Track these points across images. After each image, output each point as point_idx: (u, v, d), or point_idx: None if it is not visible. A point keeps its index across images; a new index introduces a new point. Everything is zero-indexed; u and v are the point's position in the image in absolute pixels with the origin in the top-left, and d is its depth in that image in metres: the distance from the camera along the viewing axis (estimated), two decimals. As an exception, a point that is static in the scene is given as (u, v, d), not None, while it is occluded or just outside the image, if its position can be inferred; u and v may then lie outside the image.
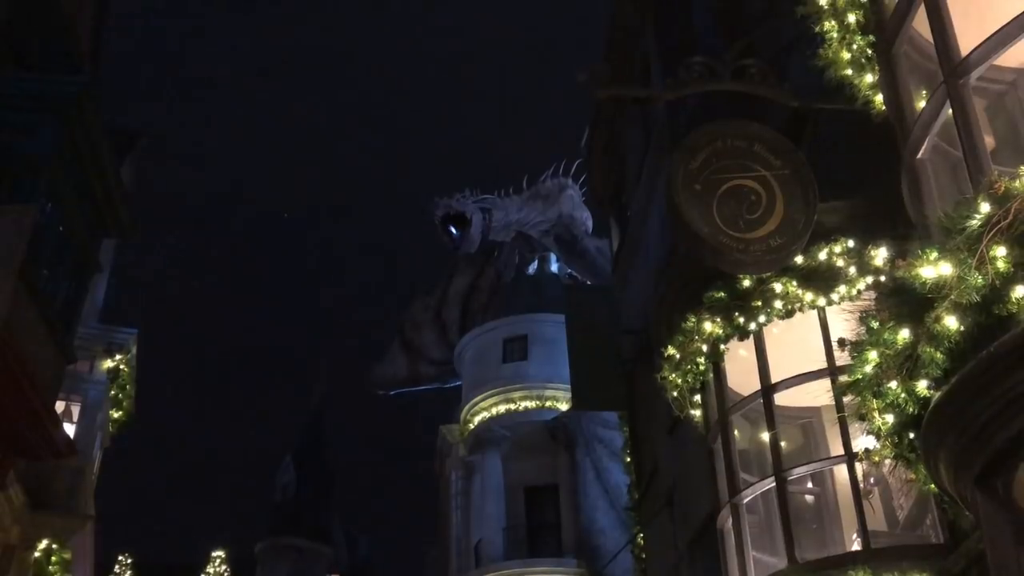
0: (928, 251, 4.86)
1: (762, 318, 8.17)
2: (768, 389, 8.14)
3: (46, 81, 13.12)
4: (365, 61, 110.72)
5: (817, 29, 6.93)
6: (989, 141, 5.79)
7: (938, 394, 4.90)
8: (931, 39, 5.88)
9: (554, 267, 35.23)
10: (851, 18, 6.69)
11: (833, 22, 6.80)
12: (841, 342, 5.91)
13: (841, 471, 8.25)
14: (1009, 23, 5.27)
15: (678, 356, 8.90)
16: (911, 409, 5.12)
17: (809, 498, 9.39)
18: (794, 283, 7.96)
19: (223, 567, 35.36)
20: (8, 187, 12.27)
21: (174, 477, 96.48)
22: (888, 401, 5.20)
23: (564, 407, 27.49)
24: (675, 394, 9.18)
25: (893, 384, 5.13)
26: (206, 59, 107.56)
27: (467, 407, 30.22)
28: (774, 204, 7.65)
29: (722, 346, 8.57)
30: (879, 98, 6.68)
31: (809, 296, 7.92)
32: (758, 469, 8.78)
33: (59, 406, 15.30)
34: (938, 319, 4.76)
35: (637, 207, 14.27)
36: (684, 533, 11.43)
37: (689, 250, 8.16)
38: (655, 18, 13.60)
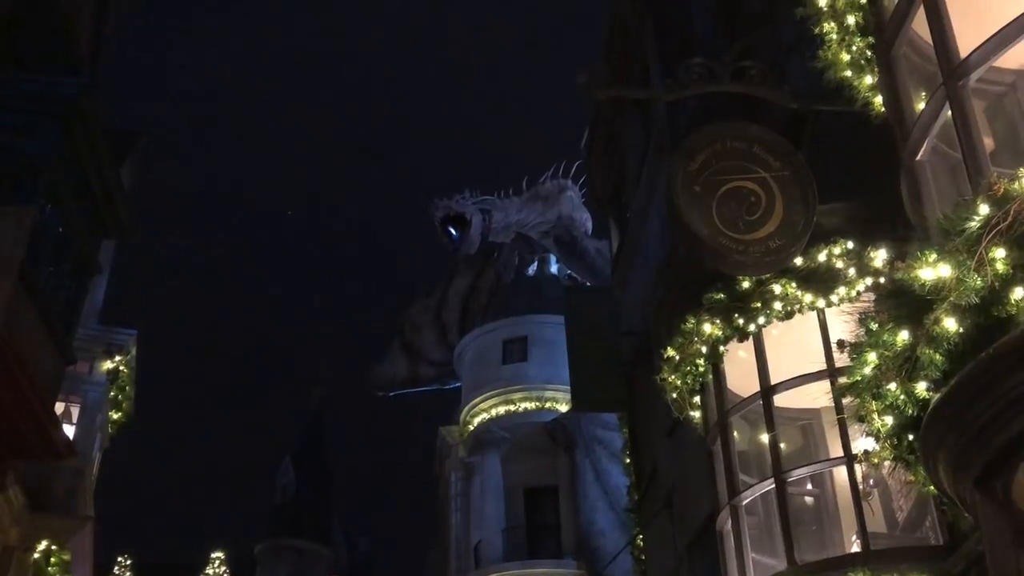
0: (927, 253, 4.86)
1: (761, 319, 8.17)
2: (767, 391, 8.14)
3: (46, 82, 13.11)
4: (365, 61, 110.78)
5: (816, 31, 6.93)
6: (988, 143, 5.79)
7: (937, 396, 4.90)
8: (930, 41, 5.88)
9: (554, 268, 35.24)
10: (850, 20, 6.69)
11: (832, 24, 6.80)
12: (840, 344, 5.91)
13: (840, 473, 8.24)
14: (1008, 24, 5.27)
15: (677, 357, 8.90)
16: (910, 411, 5.12)
17: (808, 500, 9.39)
18: (793, 284, 7.96)
19: (223, 568, 35.37)
20: (7, 188, 12.26)
21: (173, 478, 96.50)
22: (887, 403, 5.20)
23: (564, 408, 27.49)
24: (674, 395, 9.18)
25: (892, 386, 5.13)
26: (206, 59, 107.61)
27: (467, 408, 30.23)
28: (773, 206, 7.65)
29: (721, 347, 8.57)
30: (878, 100, 6.68)
31: (808, 298, 7.92)
32: (757, 471, 8.78)
33: (59, 407, 15.29)
34: (937, 321, 4.76)
35: (637, 208, 14.28)
36: (683, 534, 11.43)
37: (688, 251, 8.16)
38: (655, 19, 13.61)
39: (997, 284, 4.58)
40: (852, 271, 7.75)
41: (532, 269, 35.29)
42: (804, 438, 9.34)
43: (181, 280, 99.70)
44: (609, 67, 15.05)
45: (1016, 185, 4.63)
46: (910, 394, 5.06)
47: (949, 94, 5.54)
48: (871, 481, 8.20)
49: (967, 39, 5.54)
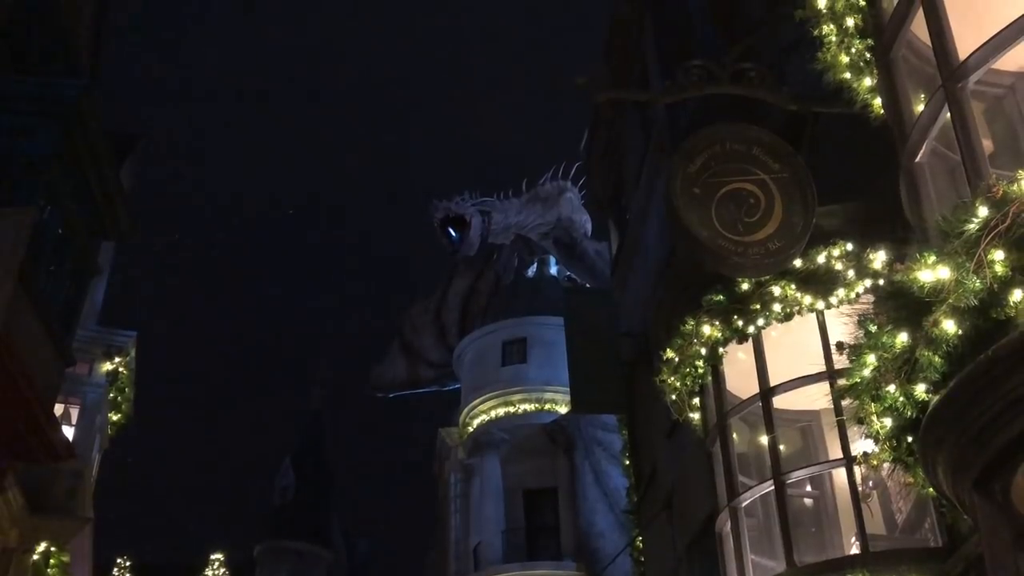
0: (926, 255, 4.87)
1: (761, 321, 8.17)
2: (767, 392, 8.14)
3: (46, 83, 13.12)
4: (366, 62, 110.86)
5: (816, 32, 6.93)
6: (987, 145, 5.79)
7: (936, 398, 4.91)
8: (929, 43, 5.88)
9: (553, 270, 35.24)
10: (849, 22, 6.69)
11: (832, 25, 6.80)
12: (840, 345, 5.91)
13: (840, 474, 8.24)
14: (1007, 27, 5.27)
15: (677, 359, 8.90)
16: (909, 413, 5.12)
17: (808, 501, 9.38)
18: (793, 286, 7.96)
19: (222, 570, 35.34)
20: (7, 189, 12.27)
21: (173, 479, 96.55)
22: (886, 404, 5.20)
23: (563, 410, 27.48)
24: (674, 397, 9.18)
25: (891, 387, 5.13)
26: (206, 59, 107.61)
27: (466, 410, 30.22)
28: (773, 207, 7.65)
29: (721, 349, 8.58)
30: (878, 102, 6.69)
31: (808, 299, 7.92)
32: (757, 472, 8.78)
33: (58, 409, 15.29)
34: (936, 323, 4.76)
35: (636, 210, 14.28)
36: (683, 536, 11.43)
37: (688, 253, 8.16)
38: (654, 21, 13.61)
39: (996, 286, 4.58)
40: (851, 273, 7.75)
41: (532, 271, 35.28)
42: (803, 440, 9.34)
43: (181, 280, 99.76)
44: (609, 69, 15.06)
45: (1015, 187, 4.63)
46: (909, 396, 5.07)
47: (948, 96, 5.54)
48: (870, 483, 8.19)
49: (966, 41, 5.55)
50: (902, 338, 5.02)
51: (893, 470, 5.90)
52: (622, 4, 14.58)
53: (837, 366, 7.53)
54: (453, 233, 32.26)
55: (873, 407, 5.32)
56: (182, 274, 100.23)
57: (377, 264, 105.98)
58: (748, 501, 8.30)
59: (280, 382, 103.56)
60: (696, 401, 9.09)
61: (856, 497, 7.48)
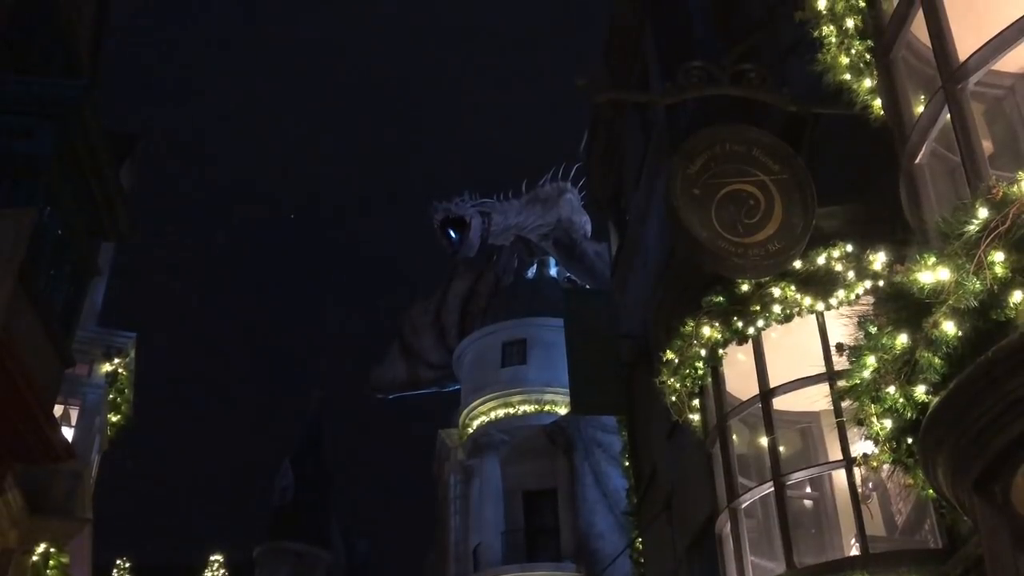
0: (926, 256, 4.86)
1: (760, 322, 8.17)
2: (766, 394, 8.14)
3: (45, 84, 13.12)
4: (366, 62, 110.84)
5: (815, 34, 6.93)
6: (987, 146, 5.79)
7: (936, 399, 4.90)
8: (929, 44, 5.88)
9: (553, 271, 35.25)
10: (849, 23, 6.69)
11: (831, 27, 6.80)
12: (839, 347, 5.91)
13: (840, 476, 8.23)
14: (1007, 28, 5.27)
15: (677, 360, 8.89)
16: (909, 414, 5.12)
17: (808, 503, 9.38)
18: (792, 287, 7.95)
19: (221, 571, 35.34)
20: (7, 190, 12.28)
21: (172, 480, 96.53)
22: (886, 406, 5.20)
23: (563, 411, 27.49)
24: (674, 398, 9.18)
25: (891, 389, 5.13)
26: (206, 59, 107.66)
27: (466, 411, 30.23)
28: (772, 209, 7.65)
29: (720, 350, 8.57)
30: (877, 103, 6.69)
31: (807, 301, 7.92)
32: (756, 474, 8.78)
33: (57, 410, 15.29)
34: (936, 324, 4.76)
35: (636, 211, 14.28)
36: (683, 537, 11.42)
37: (688, 254, 8.16)
38: (654, 22, 13.61)
39: (996, 287, 4.58)
40: (851, 274, 7.75)
41: (531, 272, 35.29)
42: (803, 441, 9.34)
43: (181, 281, 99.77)
44: (608, 70, 15.06)
45: (1015, 188, 4.63)
46: (909, 397, 5.06)
47: (948, 97, 5.54)
48: (870, 484, 8.19)
49: (966, 42, 5.55)
50: (902, 339, 5.02)
51: (893, 471, 5.89)
52: (622, 6, 14.59)
53: (837, 367, 7.53)
54: (453, 234, 32.29)
55: (873, 408, 5.32)
56: (182, 275, 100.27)
57: (377, 265, 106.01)
58: (748, 502, 8.29)
59: (280, 383, 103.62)
60: (696, 402, 9.09)
61: (856, 498, 7.47)
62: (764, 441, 8.11)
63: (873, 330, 5.29)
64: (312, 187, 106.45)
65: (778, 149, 7.95)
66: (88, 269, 14.70)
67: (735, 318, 8.29)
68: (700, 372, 8.81)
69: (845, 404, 6.14)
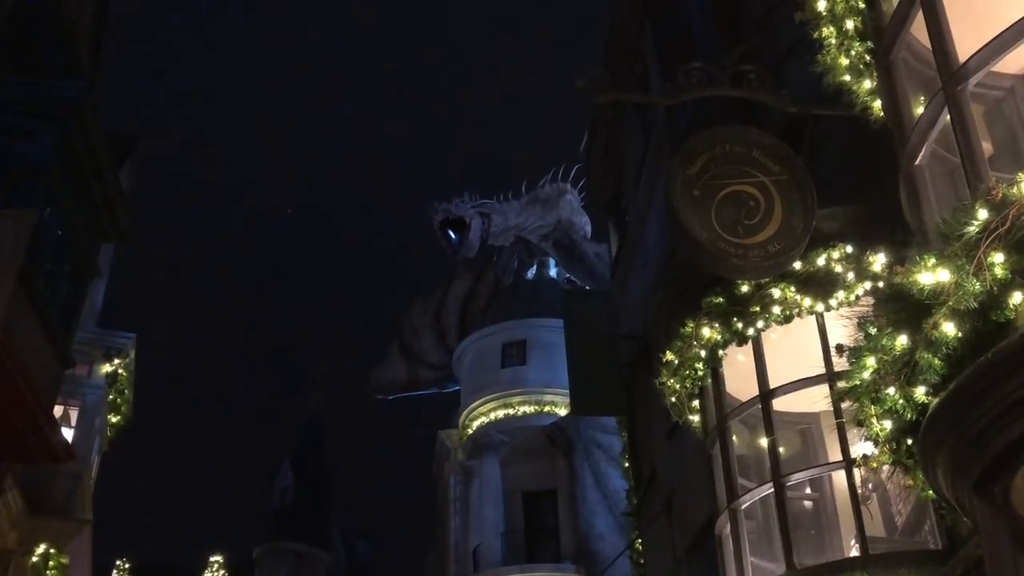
0: (926, 257, 4.87)
1: (760, 323, 8.17)
2: (766, 395, 8.14)
3: (46, 86, 13.12)
4: (365, 63, 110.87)
5: (815, 35, 6.93)
6: (987, 147, 5.78)
7: (936, 400, 4.90)
8: (929, 45, 5.88)
9: (553, 272, 35.24)
10: (849, 24, 6.69)
11: (831, 28, 6.81)
12: (839, 348, 5.91)
13: (839, 477, 8.24)
14: (1007, 29, 5.27)
15: (676, 361, 8.90)
16: (909, 415, 5.12)
17: (807, 504, 9.38)
18: (792, 288, 7.96)
19: (221, 572, 35.34)
20: (7, 191, 12.28)
21: (172, 481, 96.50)
22: (886, 407, 5.20)
23: (563, 412, 27.49)
24: (673, 399, 9.18)
25: (891, 390, 5.13)
26: (207, 59, 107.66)
27: (466, 412, 30.22)
28: (773, 210, 7.65)
29: (720, 351, 8.57)
30: (877, 104, 6.69)
31: (807, 302, 7.92)
32: (756, 475, 8.78)
33: (57, 410, 15.29)
34: (936, 325, 4.76)
35: (636, 212, 14.28)
36: (683, 538, 11.42)
37: (688, 255, 8.16)
38: (654, 23, 13.62)
39: (996, 289, 4.58)
40: (851, 275, 7.75)
41: (531, 273, 35.29)
42: (803, 442, 9.34)
43: (180, 281, 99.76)
44: (608, 71, 15.06)
45: (1015, 190, 4.63)
46: (909, 398, 5.06)
47: (948, 99, 5.54)
48: (870, 485, 8.19)
49: (966, 44, 5.55)
50: (902, 340, 5.02)
51: (893, 472, 5.89)
52: (622, 6, 14.59)
53: (837, 368, 7.54)
54: (453, 235, 32.29)
55: (873, 409, 5.32)
56: (181, 275, 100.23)
57: (377, 265, 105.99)
58: (748, 503, 8.30)
59: (279, 384, 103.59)
60: (696, 403, 9.09)
61: (856, 499, 7.48)
62: (764, 442, 8.12)
63: (873, 331, 5.29)
64: (312, 187, 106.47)
65: (778, 150, 7.96)
66: (88, 270, 14.70)
67: (735, 319, 8.29)
68: (700, 373, 8.81)
69: (845, 405, 6.14)
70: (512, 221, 32.74)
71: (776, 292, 8.00)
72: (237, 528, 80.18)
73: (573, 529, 26.73)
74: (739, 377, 8.59)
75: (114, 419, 18.98)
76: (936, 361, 4.83)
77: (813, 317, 8.01)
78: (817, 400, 7.81)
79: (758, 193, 7.72)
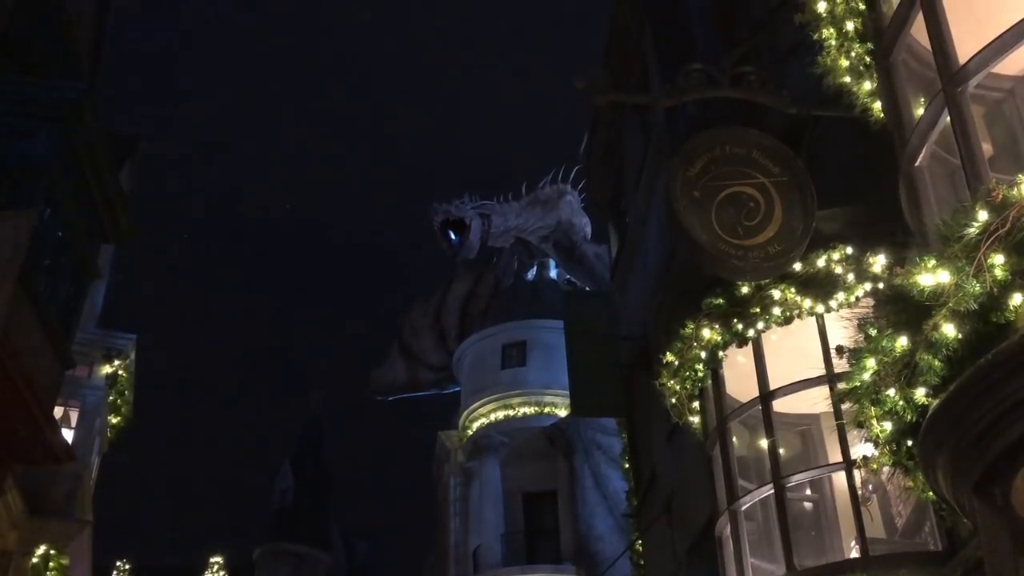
0: (926, 259, 4.86)
1: (760, 325, 8.17)
2: (766, 396, 8.14)
3: (46, 87, 13.13)
4: (365, 64, 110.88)
5: (815, 36, 6.93)
6: (987, 149, 5.78)
7: (936, 402, 4.90)
8: (929, 47, 5.88)
9: (553, 273, 35.26)
10: (849, 26, 6.69)
11: (831, 29, 6.81)
12: (839, 349, 5.91)
13: (840, 478, 8.24)
14: (1008, 31, 5.27)
15: (677, 362, 8.90)
16: (909, 416, 5.12)
17: (808, 505, 9.38)
18: (792, 290, 7.96)
19: (221, 573, 35.32)
20: (7, 192, 12.29)
21: (172, 482, 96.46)
22: (886, 408, 5.20)
23: (563, 413, 27.50)
24: (674, 401, 9.18)
25: (891, 391, 5.13)
26: (207, 59, 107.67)
27: (466, 413, 30.23)
28: (773, 211, 7.66)
29: (720, 353, 8.57)
30: (877, 105, 6.69)
31: (807, 303, 7.92)
32: (756, 476, 8.78)
33: (57, 411, 15.30)
34: (936, 327, 4.76)
35: (636, 213, 14.28)
36: (683, 540, 11.42)
37: (688, 257, 8.16)
38: (654, 25, 13.62)
39: (996, 290, 4.58)
40: (851, 276, 7.75)
41: (531, 274, 35.30)
42: (803, 443, 9.34)
43: (180, 282, 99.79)
44: (608, 72, 15.06)
45: (1015, 191, 4.63)
46: (909, 400, 5.06)
47: (948, 100, 5.54)
48: (870, 487, 8.20)
49: (966, 45, 5.55)
50: (902, 342, 5.02)
51: (893, 474, 5.89)
52: (622, 7, 14.59)
53: (837, 370, 7.53)
54: (453, 236, 32.29)
55: (873, 411, 5.32)
56: (181, 276, 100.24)
57: (377, 266, 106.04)
58: (748, 505, 8.29)
59: (279, 384, 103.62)
60: (696, 404, 9.09)
61: (856, 501, 7.48)
62: (764, 443, 8.12)
63: (873, 332, 5.29)
64: (312, 187, 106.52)
65: (778, 151, 7.96)
66: (88, 271, 14.70)
67: (735, 320, 8.29)
68: (700, 374, 8.81)
69: (845, 406, 6.14)
70: (512, 222, 32.74)
71: (776, 293, 8.00)
72: (237, 529, 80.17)
73: (573, 530, 26.73)
74: (739, 378, 8.58)
75: (114, 420, 18.99)
76: (936, 363, 4.83)
77: (813, 318, 8.01)
78: (817, 401, 7.81)
79: (758, 194, 7.73)
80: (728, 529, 8.28)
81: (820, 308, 7.90)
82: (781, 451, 8.22)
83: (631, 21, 14.44)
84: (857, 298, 7.71)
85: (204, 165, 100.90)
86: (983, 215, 4.67)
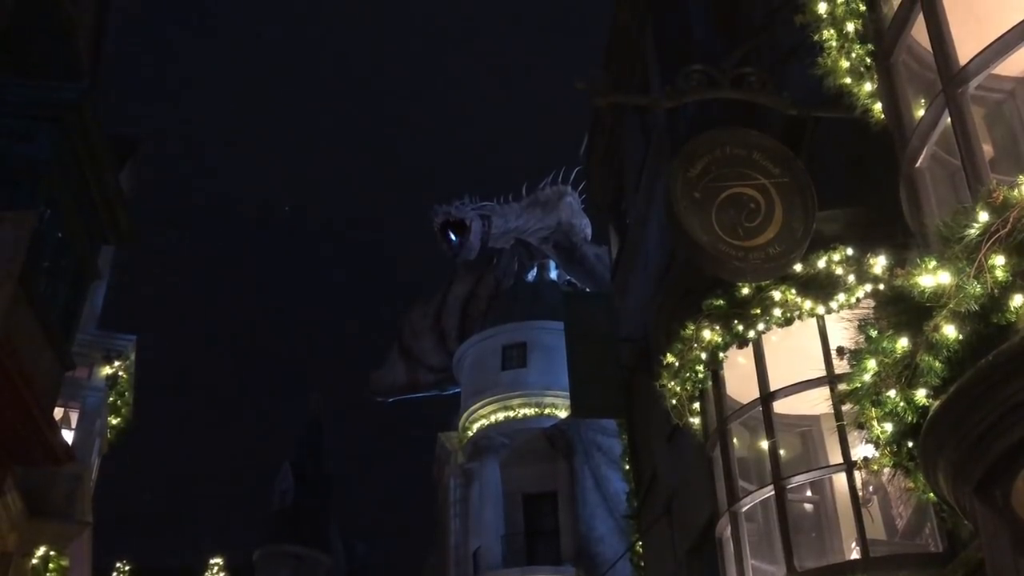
0: (927, 260, 4.86)
1: (761, 326, 8.17)
2: (767, 397, 8.14)
3: (46, 87, 13.11)
4: (366, 65, 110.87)
5: (816, 37, 6.93)
6: (988, 150, 5.79)
7: (937, 403, 4.90)
8: (930, 48, 5.88)
9: (553, 274, 35.26)
10: (850, 27, 6.69)
11: (832, 31, 6.81)
12: (840, 350, 5.91)
13: (840, 479, 8.24)
14: (1008, 32, 5.27)
15: (677, 364, 8.89)
16: (910, 418, 5.11)
17: (808, 506, 9.37)
18: (793, 291, 7.96)
19: (221, 574, 35.30)
20: (7, 193, 12.27)
21: (172, 483, 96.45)
22: (887, 410, 5.19)
23: (563, 414, 27.49)
24: (674, 402, 9.18)
25: (892, 393, 5.13)
26: (207, 58, 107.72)
27: (466, 414, 30.22)
28: (773, 212, 7.65)
29: (721, 354, 8.57)
30: (878, 106, 6.69)
31: (808, 304, 7.92)
32: (757, 477, 8.77)
33: (57, 412, 15.30)
34: (937, 328, 4.76)
35: (636, 214, 14.28)
36: (683, 541, 11.42)
37: (688, 258, 8.16)
38: (654, 26, 13.63)
39: (996, 291, 4.58)
40: (852, 278, 7.75)
41: (531, 275, 35.30)
42: (803, 445, 9.33)
43: (180, 283, 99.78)
44: (609, 73, 15.07)
45: (1015, 192, 4.63)
46: (910, 401, 5.06)
47: (948, 101, 5.54)
48: (871, 488, 8.20)
49: (966, 46, 5.55)
50: (903, 343, 5.01)
51: (893, 475, 5.89)
52: (623, 8, 14.60)
53: (837, 371, 7.54)
54: (453, 237, 32.28)
55: (873, 412, 5.31)
56: (181, 277, 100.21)
57: (377, 267, 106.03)
58: (748, 506, 8.29)
59: (280, 386, 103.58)
60: (696, 406, 9.09)
61: (856, 502, 7.47)
62: (764, 444, 8.11)
63: (874, 333, 5.29)
64: (312, 188, 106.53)
65: (778, 152, 7.96)
66: (88, 272, 14.69)
67: (735, 321, 8.29)
68: (700, 375, 8.80)
69: (846, 408, 6.14)
70: (512, 223, 32.74)
71: (777, 294, 7.99)
72: (237, 530, 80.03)
73: (573, 532, 26.72)
74: (740, 379, 8.58)
75: (114, 421, 18.98)
76: (937, 364, 4.83)
77: (814, 319, 8.00)
78: (818, 402, 7.81)
79: (759, 195, 7.72)
80: (728, 530, 8.28)
81: (821, 309, 7.90)
82: (781, 452, 8.21)
83: (631, 22, 14.44)
84: (858, 299, 7.70)
85: (204, 165, 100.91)
86: (984, 216, 4.67)
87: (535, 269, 35.36)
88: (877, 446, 5.51)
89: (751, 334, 8.25)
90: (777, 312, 8.02)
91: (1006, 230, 4.57)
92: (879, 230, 7.49)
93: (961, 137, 5.40)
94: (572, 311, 16.76)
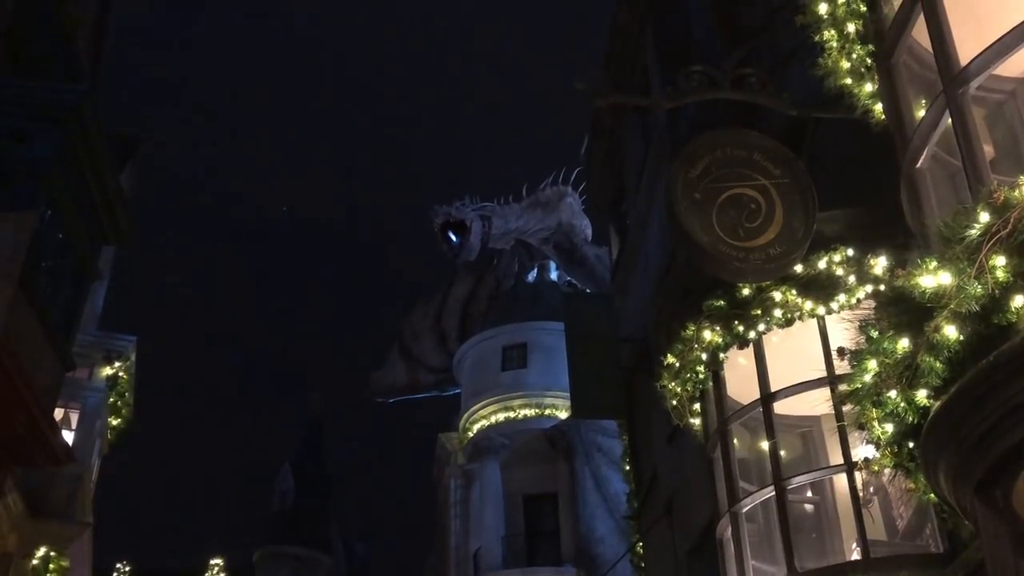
0: (927, 260, 4.87)
1: (761, 327, 8.17)
2: (767, 398, 8.13)
3: (46, 88, 13.10)
4: (367, 66, 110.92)
5: (816, 38, 6.93)
6: (988, 151, 5.79)
7: (938, 403, 4.90)
8: (930, 48, 5.88)
9: (553, 275, 35.27)
10: (850, 27, 6.69)
11: (832, 31, 6.81)
12: (841, 351, 5.91)
13: (841, 480, 8.24)
14: (1009, 32, 5.27)
15: (677, 364, 8.89)
16: (911, 418, 5.11)
17: (809, 507, 9.37)
18: (793, 292, 7.95)
19: (221, 574, 35.30)
20: (7, 194, 12.25)
21: (173, 484, 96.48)
22: (888, 410, 5.20)
23: (563, 415, 27.50)
24: (674, 402, 9.17)
25: (893, 393, 5.13)
26: (207, 59, 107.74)
27: (466, 415, 30.23)
28: (774, 213, 7.65)
29: (721, 354, 8.57)
30: (878, 107, 6.69)
31: (808, 305, 7.92)
32: (757, 478, 8.77)
33: (58, 413, 15.28)
34: (937, 328, 4.76)
35: (636, 215, 14.28)
36: (683, 542, 11.41)
37: (689, 258, 8.16)
38: (655, 27, 13.62)
39: (997, 292, 4.58)
40: (852, 278, 7.75)
41: (532, 276, 35.31)
42: (804, 445, 9.33)
43: (181, 284, 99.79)
44: (609, 74, 15.07)
45: (1016, 193, 4.63)
46: (910, 402, 5.06)
47: (949, 102, 5.55)
48: (871, 488, 8.19)
49: (967, 47, 5.55)
50: (903, 344, 5.01)
51: (894, 476, 5.89)
52: (623, 10, 14.60)
53: (838, 371, 7.54)
54: (453, 238, 32.30)
55: (874, 413, 5.31)
56: (182, 278, 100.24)
57: (377, 269, 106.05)
58: (749, 507, 8.29)
59: (280, 387, 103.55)
60: (697, 406, 9.09)
61: (857, 503, 7.47)
62: (765, 445, 8.11)
63: (874, 334, 5.29)
64: (312, 189, 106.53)
65: (779, 153, 7.96)
66: (88, 272, 14.68)
67: (736, 322, 8.29)
68: (701, 376, 8.80)
69: (846, 408, 6.14)
70: (513, 224, 32.75)
71: (777, 295, 7.99)
72: (237, 531, 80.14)
73: (574, 532, 26.73)
74: (740, 380, 8.58)
75: (114, 422, 18.97)
76: (937, 364, 4.83)
77: (814, 320, 8.00)
78: (818, 403, 7.81)
79: (759, 196, 7.73)
80: (729, 531, 8.28)
81: (821, 310, 7.90)
82: (782, 453, 8.21)
83: (631, 23, 14.44)
84: (858, 300, 7.70)
85: (204, 165, 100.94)
86: (984, 217, 4.67)
87: (535, 270, 35.37)
88: (878, 447, 5.51)
89: (752, 335, 8.24)
90: (778, 313, 8.01)
91: (1007, 231, 4.57)
92: (880, 231, 7.49)
93: (962, 138, 5.40)
94: (572, 312, 16.75)
